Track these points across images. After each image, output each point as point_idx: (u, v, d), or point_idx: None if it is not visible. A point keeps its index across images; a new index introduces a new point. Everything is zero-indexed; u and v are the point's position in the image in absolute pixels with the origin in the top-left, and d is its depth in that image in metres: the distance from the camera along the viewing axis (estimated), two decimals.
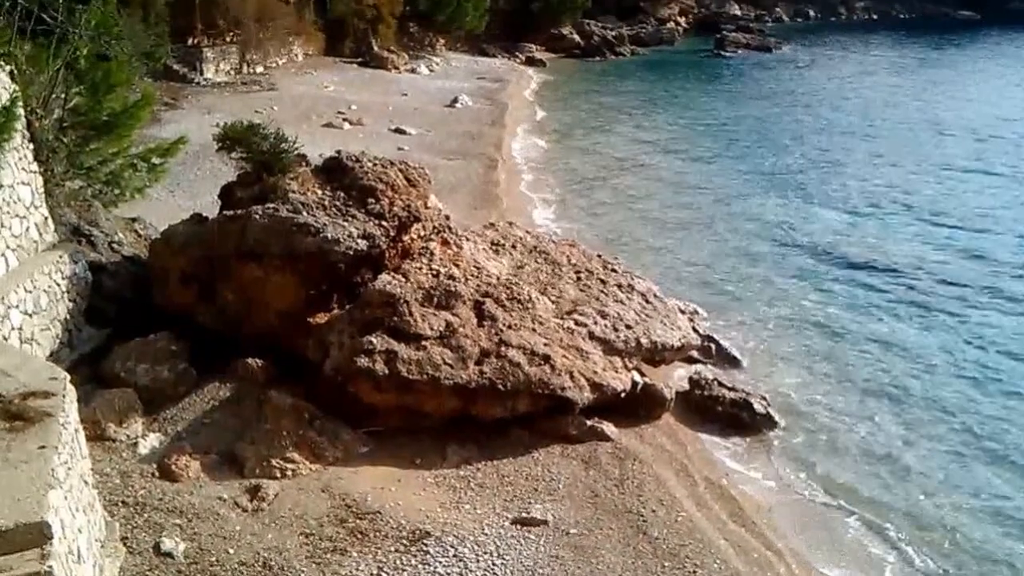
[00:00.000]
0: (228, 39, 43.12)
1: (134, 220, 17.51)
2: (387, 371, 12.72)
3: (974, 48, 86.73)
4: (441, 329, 13.43)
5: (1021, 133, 42.55)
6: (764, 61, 72.33)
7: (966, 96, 55.04)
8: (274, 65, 45.25)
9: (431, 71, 52.90)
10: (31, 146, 13.48)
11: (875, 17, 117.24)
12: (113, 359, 13.40)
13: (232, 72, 42.26)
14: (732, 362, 17.79)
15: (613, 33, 75.91)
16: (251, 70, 43.39)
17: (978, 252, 25.48)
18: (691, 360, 17.31)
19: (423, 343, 13.16)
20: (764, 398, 15.84)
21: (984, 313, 21.17)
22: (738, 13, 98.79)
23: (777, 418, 15.47)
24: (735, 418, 15.30)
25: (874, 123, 45.73)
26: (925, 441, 15.32)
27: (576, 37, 72.53)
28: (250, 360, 13.78)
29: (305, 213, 14.31)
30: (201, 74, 39.82)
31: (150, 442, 12.30)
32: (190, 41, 41.17)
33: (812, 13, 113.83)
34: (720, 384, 15.92)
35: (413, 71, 51.60)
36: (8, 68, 12.78)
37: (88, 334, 13.89)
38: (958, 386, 17.44)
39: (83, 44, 14.26)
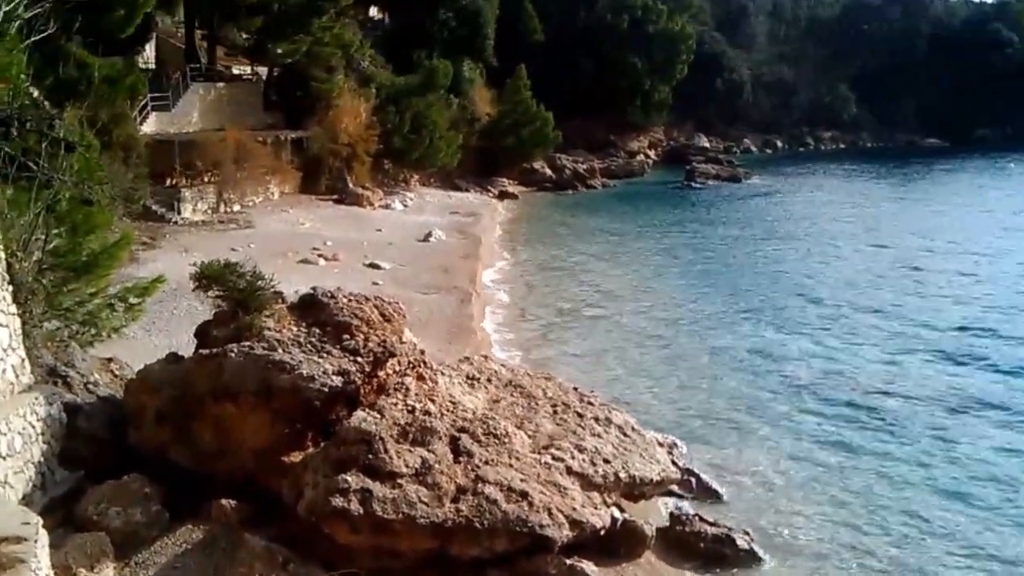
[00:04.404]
0: (206, 179, 43.73)
1: (110, 360, 17.45)
2: (362, 511, 12.55)
3: (940, 176, 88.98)
4: (417, 466, 13.32)
5: (988, 256, 43.61)
6: (734, 191, 73.96)
7: (931, 225, 56.16)
8: (251, 204, 45.77)
9: (405, 206, 53.65)
10: (10, 288, 13.51)
11: (843, 147, 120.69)
12: (86, 502, 13.19)
13: (209, 211, 42.71)
14: (713, 496, 17.62)
15: (584, 166, 77.60)
16: (228, 209, 43.87)
17: (957, 373, 25.73)
18: (671, 494, 17.21)
19: (398, 481, 13.03)
20: (747, 533, 15.65)
21: (966, 432, 21.23)
22: (707, 145, 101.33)
23: (761, 553, 15.23)
24: (718, 554, 15.06)
25: (842, 251, 46.63)
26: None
27: (548, 171, 74.02)
28: (224, 501, 13.58)
29: (280, 350, 14.34)
30: (179, 213, 40.23)
31: None
32: (168, 181, 41.69)
33: (780, 144, 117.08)
34: (701, 519, 15.75)
35: (388, 207, 52.28)
36: None
37: (61, 476, 13.69)
38: (951, 514, 17.24)
39: (66, 189, 14.46)
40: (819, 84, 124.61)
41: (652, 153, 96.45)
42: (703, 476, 18.05)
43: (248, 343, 14.44)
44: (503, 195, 65.59)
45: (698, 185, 76.85)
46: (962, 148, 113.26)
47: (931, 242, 48.57)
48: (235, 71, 56.24)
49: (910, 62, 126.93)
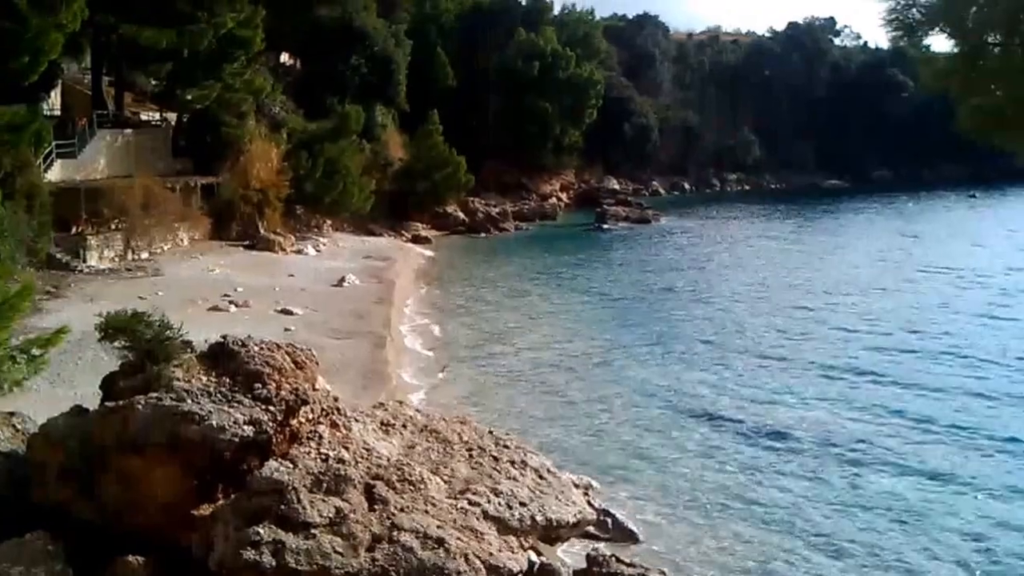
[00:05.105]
0: (113, 226, 42.92)
1: (12, 414, 16.88)
2: (274, 563, 12.31)
3: (839, 217, 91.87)
4: (331, 515, 13.13)
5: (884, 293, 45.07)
6: (644, 233, 75.17)
7: (826, 264, 58.23)
8: (159, 251, 45.03)
9: (318, 251, 53.28)
10: None
11: (747, 188, 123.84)
12: None
13: (116, 259, 41.88)
14: (629, 536, 17.73)
15: (497, 209, 78.06)
16: (136, 256, 43.09)
17: (866, 407, 26.40)
18: (588, 536, 17.23)
19: (312, 531, 12.83)
20: (663, 572, 15.73)
21: (873, 469, 21.72)
22: (617, 187, 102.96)
23: None
24: None
25: (748, 287, 47.99)
26: None
27: (461, 214, 74.33)
28: (131, 557, 13.19)
29: (189, 401, 14.06)
30: (84, 261, 39.37)
31: None
32: (74, 229, 40.85)
33: (687, 186, 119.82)
34: (618, 560, 15.75)
35: (300, 252, 51.87)
36: None
37: None
38: (867, 554, 17.55)
39: None
40: (723, 128, 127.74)
41: (564, 196, 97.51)
42: (619, 516, 18.15)
43: (156, 394, 14.14)
44: (417, 239, 65.70)
45: (609, 227, 77.93)
46: (861, 188, 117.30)
47: (827, 281, 50.16)
48: (143, 117, 55.50)
49: (810, 106, 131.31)
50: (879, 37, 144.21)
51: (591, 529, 17.14)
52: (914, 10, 6.79)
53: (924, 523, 18.86)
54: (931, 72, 7.73)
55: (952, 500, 20.01)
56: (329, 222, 61.52)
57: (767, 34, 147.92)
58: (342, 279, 43.09)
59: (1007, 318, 39.26)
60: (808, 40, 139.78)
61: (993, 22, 6.53)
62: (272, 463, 13.97)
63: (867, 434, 24.17)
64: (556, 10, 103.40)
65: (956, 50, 6.96)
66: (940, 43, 7.04)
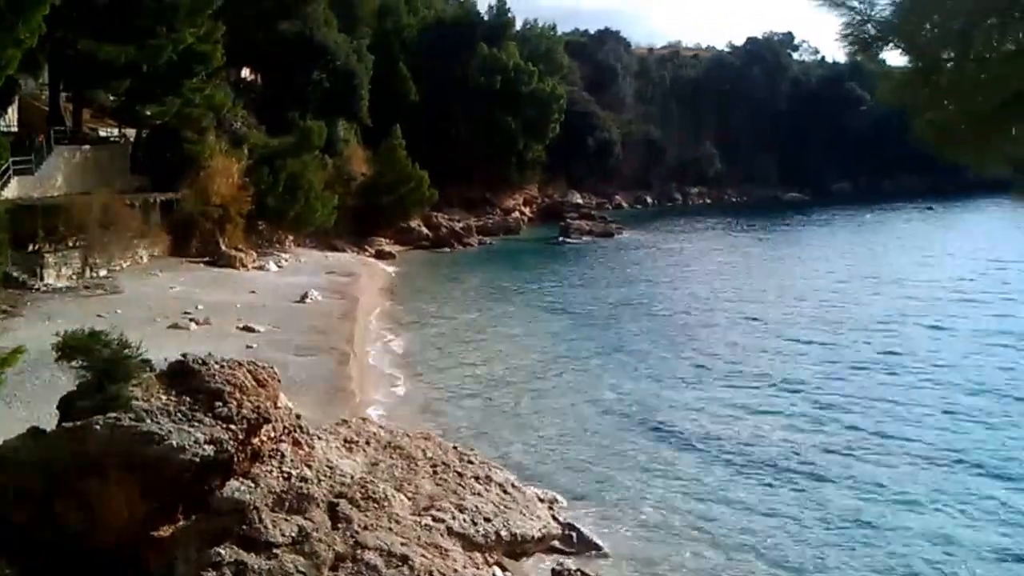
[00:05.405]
0: (71, 244, 42.39)
1: None
2: None
3: (799, 229, 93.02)
4: (293, 535, 13.04)
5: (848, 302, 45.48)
6: (607, 246, 75.63)
7: (787, 276, 58.94)
8: (118, 268, 44.52)
9: (280, 267, 52.89)
10: None
11: (709, 202, 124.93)
12: None
13: (75, 277, 41.36)
14: (595, 549, 17.72)
15: (460, 224, 78.02)
16: (94, 274, 42.57)
17: (820, 421, 26.55)
18: (553, 550, 17.21)
19: (274, 551, 12.73)
20: None
21: (835, 479, 21.86)
22: (580, 201, 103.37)
23: None
24: None
25: (704, 299, 48.46)
26: None
27: (425, 229, 74.26)
28: None
29: (149, 421, 13.91)
30: (42, 280, 38.84)
31: None
32: (31, 247, 40.32)
33: (650, 200, 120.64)
34: (583, 574, 15.80)
35: (262, 268, 51.44)
36: None
37: None
38: (831, 564, 17.67)
39: None
40: (685, 142, 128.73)
41: (527, 210, 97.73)
42: (584, 530, 18.13)
43: (114, 414, 13.97)
44: (380, 254, 65.50)
45: (573, 240, 78.26)
46: (822, 201, 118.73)
47: (783, 294, 50.70)
48: (102, 133, 54.94)
49: (771, 119, 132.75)
50: (837, 52, 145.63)
51: (556, 543, 17.12)
52: (869, 25, 6.83)
53: (880, 539, 18.94)
54: (888, 86, 7.80)
55: (909, 516, 20.07)
56: (291, 238, 61.14)
57: (727, 49, 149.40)
58: (305, 295, 42.77)
59: (959, 328, 39.68)
60: (768, 54, 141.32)
61: (946, 39, 6.59)
62: (233, 482, 13.85)
63: (822, 448, 24.27)
64: (518, 25, 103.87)
65: (911, 65, 7.01)
66: (896, 58, 7.11)
